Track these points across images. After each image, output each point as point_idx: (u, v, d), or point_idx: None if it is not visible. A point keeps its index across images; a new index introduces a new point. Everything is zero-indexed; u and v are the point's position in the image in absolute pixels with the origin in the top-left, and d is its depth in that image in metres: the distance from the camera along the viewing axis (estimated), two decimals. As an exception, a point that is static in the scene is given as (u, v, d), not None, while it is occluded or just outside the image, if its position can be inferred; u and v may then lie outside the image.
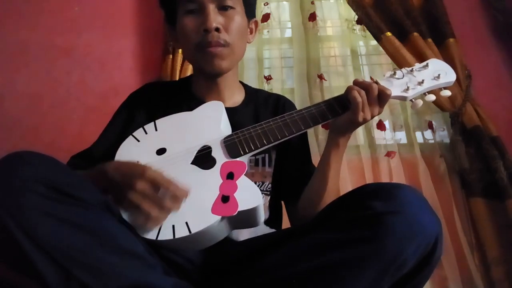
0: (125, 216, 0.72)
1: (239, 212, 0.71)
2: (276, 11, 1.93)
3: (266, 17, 1.87)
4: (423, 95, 0.90)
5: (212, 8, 0.90)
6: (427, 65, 0.91)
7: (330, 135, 0.91)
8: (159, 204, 0.70)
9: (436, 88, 0.90)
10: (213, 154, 0.81)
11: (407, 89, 0.88)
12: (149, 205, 0.70)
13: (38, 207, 0.60)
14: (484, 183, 1.56)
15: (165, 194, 0.71)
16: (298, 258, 0.68)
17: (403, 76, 0.89)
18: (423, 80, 0.88)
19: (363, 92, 0.83)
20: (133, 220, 0.71)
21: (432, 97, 0.89)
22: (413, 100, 0.88)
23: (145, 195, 0.70)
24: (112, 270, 0.62)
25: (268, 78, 1.82)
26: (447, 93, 0.89)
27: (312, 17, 1.85)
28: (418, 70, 0.91)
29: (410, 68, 0.91)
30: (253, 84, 1.74)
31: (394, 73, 0.90)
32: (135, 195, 0.70)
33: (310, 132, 1.68)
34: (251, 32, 1.03)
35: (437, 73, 0.89)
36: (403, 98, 0.88)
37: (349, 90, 0.84)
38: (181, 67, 1.70)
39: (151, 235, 0.71)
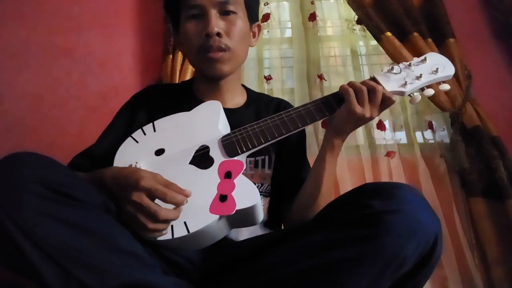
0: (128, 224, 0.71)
1: (237, 211, 0.71)
2: (276, 11, 1.93)
3: (266, 17, 1.87)
4: (421, 90, 0.88)
5: (214, 13, 0.90)
6: (425, 59, 0.89)
7: (326, 135, 0.90)
8: (154, 216, 0.68)
9: (434, 82, 0.88)
10: (211, 153, 0.81)
11: (405, 84, 0.86)
12: (144, 217, 0.68)
13: (36, 208, 0.60)
14: (484, 183, 1.56)
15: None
16: (297, 257, 0.68)
17: (401, 71, 0.88)
18: (421, 75, 0.86)
19: (356, 88, 0.83)
20: (134, 229, 0.70)
21: (430, 92, 0.87)
22: (411, 95, 0.86)
23: (139, 207, 0.68)
24: (111, 270, 0.62)
25: (268, 78, 1.82)
26: (446, 87, 0.87)
27: (312, 17, 1.85)
28: (416, 65, 0.89)
29: (408, 63, 0.89)
30: (253, 84, 1.76)
31: (392, 68, 0.88)
32: (130, 206, 0.69)
33: (310, 132, 1.67)
34: (253, 36, 1.04)
35: (435, 67, 0.87)
36: (401, 93, 0.86)
37: (341, 87, 0.85)
38: (181, 67, 1.70)
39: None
